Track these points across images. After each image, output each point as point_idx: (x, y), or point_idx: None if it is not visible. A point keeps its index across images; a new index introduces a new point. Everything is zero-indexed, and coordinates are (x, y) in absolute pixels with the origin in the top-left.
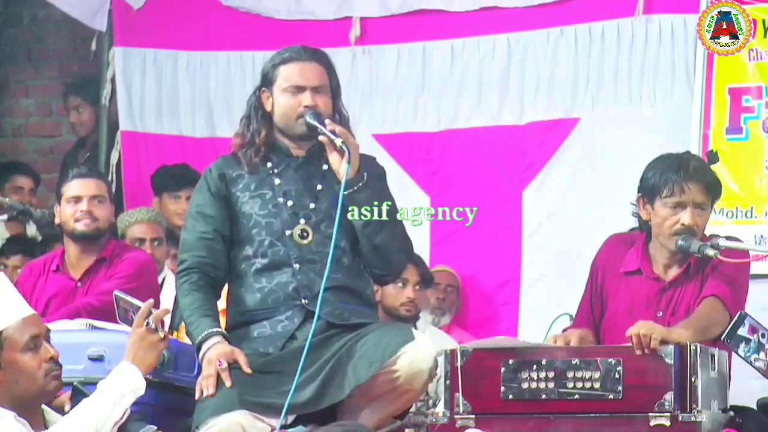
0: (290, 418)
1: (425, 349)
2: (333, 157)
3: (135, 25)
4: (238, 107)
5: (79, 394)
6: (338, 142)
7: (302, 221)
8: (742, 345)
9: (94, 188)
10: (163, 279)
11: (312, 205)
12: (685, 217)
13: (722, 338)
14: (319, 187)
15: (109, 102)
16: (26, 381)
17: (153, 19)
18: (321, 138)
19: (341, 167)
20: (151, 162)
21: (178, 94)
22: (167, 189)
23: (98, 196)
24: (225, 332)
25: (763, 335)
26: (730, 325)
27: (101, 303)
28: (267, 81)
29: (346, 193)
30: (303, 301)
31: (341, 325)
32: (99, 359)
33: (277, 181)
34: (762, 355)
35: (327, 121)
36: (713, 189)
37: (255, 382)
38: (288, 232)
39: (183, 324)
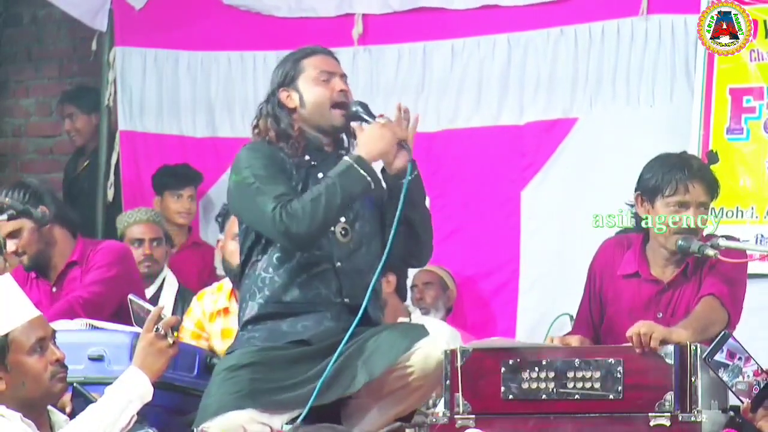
0: (291, 416)
1: (440, 345)
2: None
3: (136, 25)
4: (239, 107)
5: (79, 395)
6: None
7: (343, 219)
8: (721, 370)
9: (6, 227)
10: (163, 279)
11: None
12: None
13: (703, 357)
14: (372, 167)
15: (111, 104)
16: (32, 383)
17: (154, 18)
18: None
19: (397, 162)
20: (150, 162)
21: (179, 94)
22: (168, 187)
23: (12, 232)
24: None
25: (740, 358)
26: (712, 344)
27: (90, 294)
28: (288, 79)
29: (405, 180)
30: (345, 299)
31: (371, 320)
32: (99, 359)
33: (320, 174)
34: (741, 378)
35: (382, 115)
36: (714, 189)
37: (269, 380)
38: (331, 229)
39: (182, 325)
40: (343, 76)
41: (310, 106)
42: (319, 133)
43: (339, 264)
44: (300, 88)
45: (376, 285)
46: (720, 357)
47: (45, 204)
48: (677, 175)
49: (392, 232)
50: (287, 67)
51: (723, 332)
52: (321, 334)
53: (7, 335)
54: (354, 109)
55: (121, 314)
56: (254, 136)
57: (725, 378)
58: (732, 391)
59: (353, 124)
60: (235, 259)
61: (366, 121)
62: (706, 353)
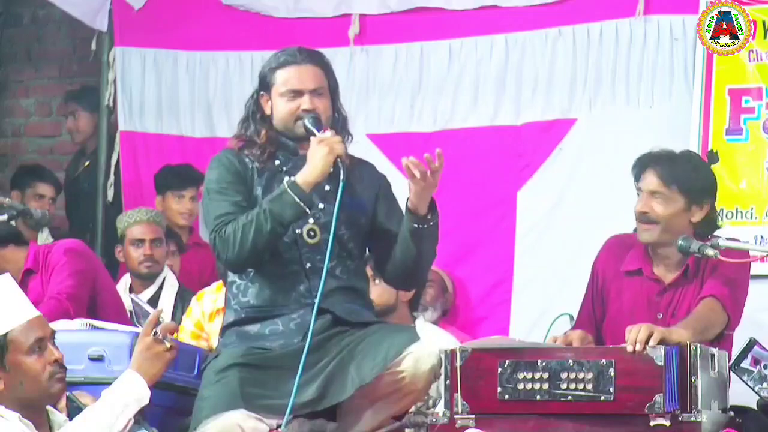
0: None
1: (430, 349)
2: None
3: (135, 25)
4: (237, 107)
5: (72, 402)
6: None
7: (311, 221)
8: (745, 376)
9: None
10: (163, 279)
11: (321, 205)
12: (639, 203)
13: (729, 366)
14: (327, 188)
15: (111, 105)
16: (30, 383)
17: (153, 18)
18: None
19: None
20: (150, 162)
21: (178, 94)
22: (171, 188)
23: None
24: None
25: (765, 366)
26: (739, 353)
27: (70, 288)
28: (265, 85)
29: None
30: (315, 300)
31: (348, 321)
32: (99, 359)
33: (286, 178)
34: (765, 384)
35: (327, 133)
36: (670, 178)
37: (258, 382)
38: (297, 231)
39: (182, 326)
40: (314, 92)
41: (276, 119)
42: (290, 140)
43: (309, 265)
44: (272, 97)
45: (354, 284)
46: (745, 364)
47: None
48: (637, 165)
49: (332, 231)
50: (265, 73)
51: (749, 339)
52: (285, 341)
53: (6, 335)
54: (304, 122)
55: (95, 309)
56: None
57: (750, 384)
58: (760, 396)
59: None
60: None
61: (314, 133)
62: (732, 362)
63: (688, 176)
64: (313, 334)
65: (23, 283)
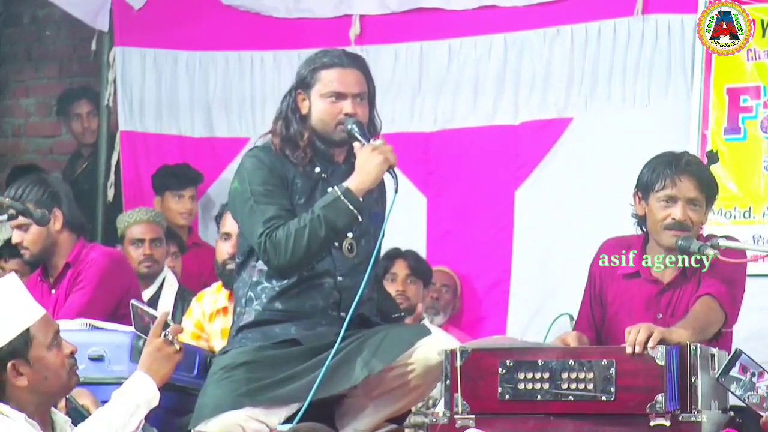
0: (288, 413)
1: (441, 343)
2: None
3: (135, 25)
4: (237, 107)
5: (71, 402)
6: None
7: (350, 234)
8: (734, 385)
9: (15, 221)
10: (163, 279)
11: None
12: (677, 211)
13: (716, 377)
14: (360, 199)
15: (111, 104)
16: (53, 377)
17: (153, 18)
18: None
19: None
20: (150, 162)
21: (178, 94)
22: (170, 188)
23: (21, 225)
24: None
25: (753, 374)
26: (726, 361)
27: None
28: (304, 84)
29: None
30: (341, 313)
31: (372, 323)
32: (99, 359)
33: (329, 189)
34: (754, 391)
35: (379, 141)
36: (707, 186)
37: (264, 377)
38: (336, 243)
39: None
40: (357, 96)
41: (315, 120)
42: (326, 144)
43: (340, 279)
44: (311, 97)
45: (372, 294)
46: (733, 372)
47: (60, 206)
48: (666, 170)
49: (377, 246)
50: (306, 72)
51: (735, 350)
52: (312, 336)
53: (28, 330)
54: (349, 127)
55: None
56: (267, 135)
57: (738, 392)
58: (746, 405)
59: (355, 144)
60: (221, 257)
61: (359, 140)
62: (719, 373)
63: (712, 182)
64: (342, 339)
65: (62, 275)
